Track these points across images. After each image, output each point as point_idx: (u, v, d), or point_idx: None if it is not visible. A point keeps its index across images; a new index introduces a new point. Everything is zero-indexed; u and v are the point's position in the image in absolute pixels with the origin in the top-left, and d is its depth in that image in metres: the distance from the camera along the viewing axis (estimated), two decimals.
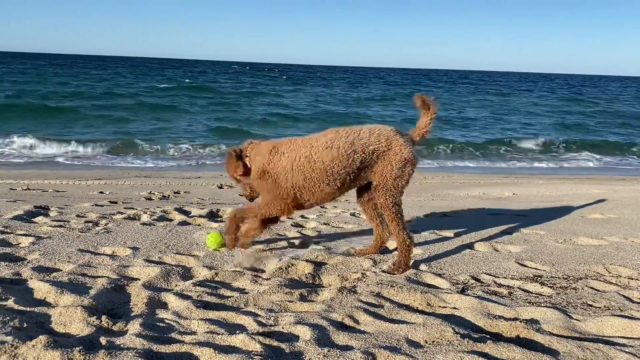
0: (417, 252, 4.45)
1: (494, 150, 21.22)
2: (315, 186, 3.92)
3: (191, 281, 3.56)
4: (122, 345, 2.49)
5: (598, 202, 7.77)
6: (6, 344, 2.39)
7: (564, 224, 5.93)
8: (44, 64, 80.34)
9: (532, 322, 2.90)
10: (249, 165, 4.11)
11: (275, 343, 2.57)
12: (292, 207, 4.06)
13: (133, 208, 6.38)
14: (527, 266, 4.16)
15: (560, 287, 3.65)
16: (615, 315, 3.01)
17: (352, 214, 6.39)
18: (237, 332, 2.69)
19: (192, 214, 6.04)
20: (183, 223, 5.48)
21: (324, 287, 3.62)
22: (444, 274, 3.90)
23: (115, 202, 7.25)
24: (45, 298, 3.16)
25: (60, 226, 5.01)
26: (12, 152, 17.02)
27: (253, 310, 3.05)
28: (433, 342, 2.67)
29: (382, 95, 45.23)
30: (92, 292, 3.23)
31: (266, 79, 65.26)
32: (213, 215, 6.07)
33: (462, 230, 5.35)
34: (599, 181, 13.14)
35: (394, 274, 3.84)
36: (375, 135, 3.90)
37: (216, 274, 3.72)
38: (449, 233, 5.19)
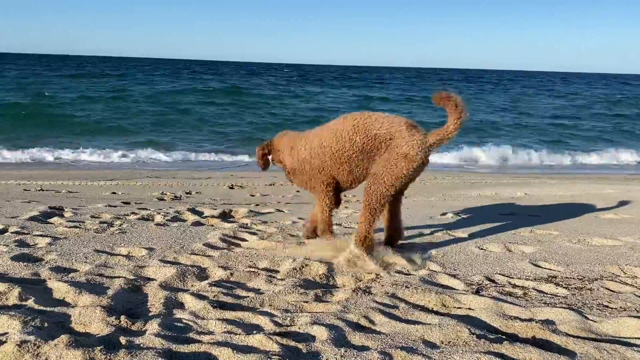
0: (432, 253, 4.45)
1: None
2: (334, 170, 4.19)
3: (207, 281, 3.60)
4: (141, 345, 2.52)
5: (611, 202, 7.70)
6: (29, 343, 2.43)
7: (578, 224, 5.89)
8: (60, 65, 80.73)
9: (548, 323, 2.89)
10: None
11: (293, 343, 2.59)
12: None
13: (146, 209, 6.45)
14: (541, 267, 4.15)
15: (575, 288, 3.64)
16: (631, 317, 2.99)
17: None
18: (254, 332, 2.71)
19: (205, 214, 6.09)
20: (196, 223, 5.53)
21: (338, 287, 3.63)
22: (458, 274, 3.90)
23: (128, 203, 7.33)
24: (64, 298, 3.21)
25: (76, 227, 5.07)
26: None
27: (269, 311, 3.07)
28: (449, 342, 2.68)
29: (384, 97, 44.70)
30: (110, 292, 3.27)
31: (280, 79, 65.10)
32: (225, 216, 6.11)
33: (475, 230, 5.34)
34: (611, 181, 13.03)
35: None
36: (380, 121, 3.95)
37: (231, 274, 3.75)
38: (462, 233, 5.19)
